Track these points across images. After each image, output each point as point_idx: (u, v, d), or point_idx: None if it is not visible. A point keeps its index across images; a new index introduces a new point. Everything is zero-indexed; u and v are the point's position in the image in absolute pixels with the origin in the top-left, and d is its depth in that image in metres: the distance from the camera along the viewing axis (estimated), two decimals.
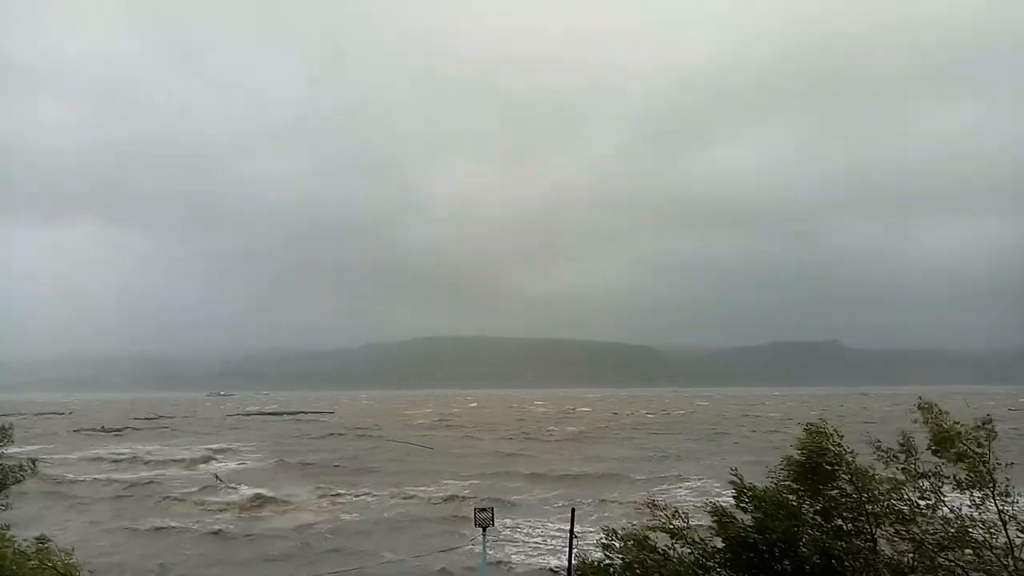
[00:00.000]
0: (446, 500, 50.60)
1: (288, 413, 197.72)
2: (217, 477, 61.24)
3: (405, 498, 51.73)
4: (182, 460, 76.01)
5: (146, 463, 75.38)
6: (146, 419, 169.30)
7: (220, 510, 48.65)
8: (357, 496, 52.85)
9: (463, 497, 50.39)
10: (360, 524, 43.77)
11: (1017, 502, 13.26)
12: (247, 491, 54.09)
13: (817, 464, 13.30)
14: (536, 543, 37.39)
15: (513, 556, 34.96)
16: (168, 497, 52.82)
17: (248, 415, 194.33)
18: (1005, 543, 12.88)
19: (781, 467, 13.83)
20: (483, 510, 18.92)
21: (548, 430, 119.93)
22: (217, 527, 42.86)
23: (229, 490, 55.16)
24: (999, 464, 13.15)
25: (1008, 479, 13.34)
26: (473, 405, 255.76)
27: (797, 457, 13.62)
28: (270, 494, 52.46)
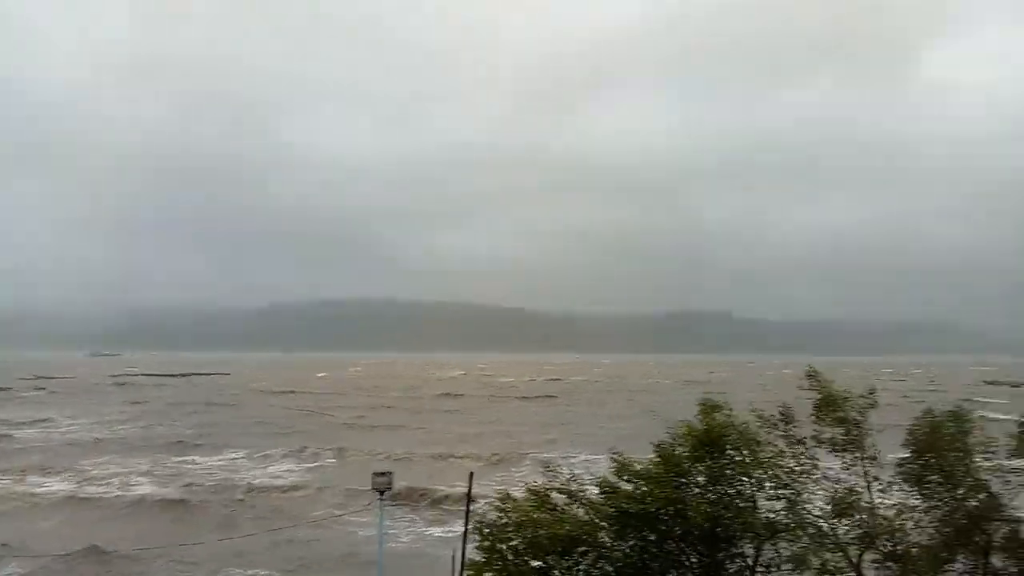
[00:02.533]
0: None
1: (181, 375, 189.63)
2: None
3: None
4: None
5: None
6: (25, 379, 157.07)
7: None
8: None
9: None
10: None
11: (882, 465, 14.45)
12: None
13: (710, 435, 13.92)
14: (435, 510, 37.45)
15: (409, 522, 34.99)
16: None
17: (133, 376, 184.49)
18: (869, 501, 14.02)
19: (675, 436, 14.38)
20: (381, 474, 18.53)
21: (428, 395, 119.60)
22: None
23: None
24: (870, 431, 14.26)
25: (875, 444, 14.50)
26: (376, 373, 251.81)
27: (692, 428, 14.21)
28: None
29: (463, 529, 16.01)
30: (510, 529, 13.24)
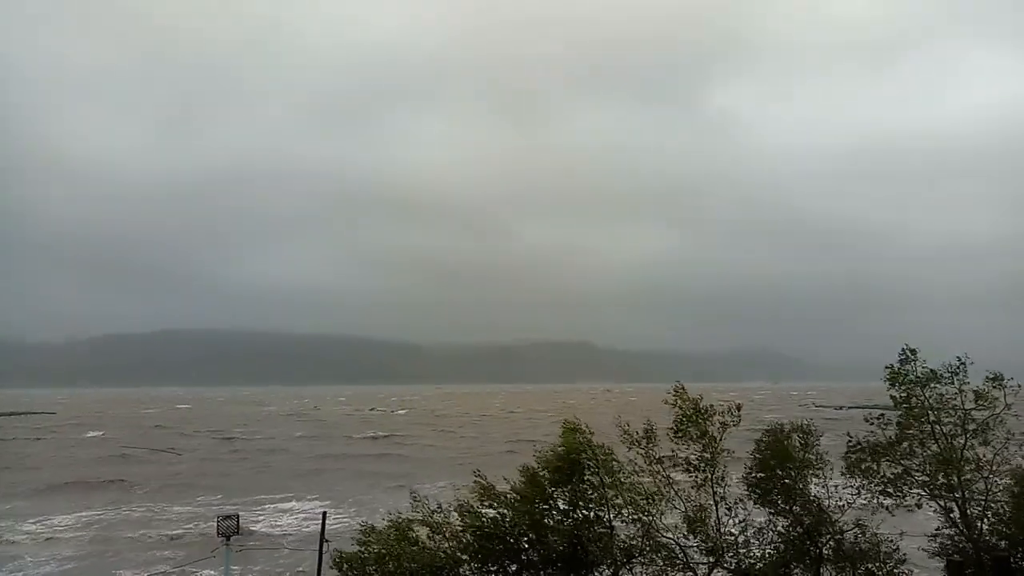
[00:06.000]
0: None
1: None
2: None
3: None
4: None
5: None
6: None
7: None
8: None
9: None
10: None
11: (728, 485, 15.25)
12: None
13: (570, 458, 14.08)
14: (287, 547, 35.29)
15: (260, 561, 32.78)
16: None
17: None
18: (715, 519, 14.73)
19: (538, 460, 14.46)
20: (227, 517, 17.27)
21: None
22: None
23: None
24: (724, 450, 15.02)
25: (725, 465, 15.29)
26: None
27: (551, 453, 14.34)
28: None
29: (317, 566, 15.11)
30: (370, 564, 12.70)
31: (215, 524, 17.44)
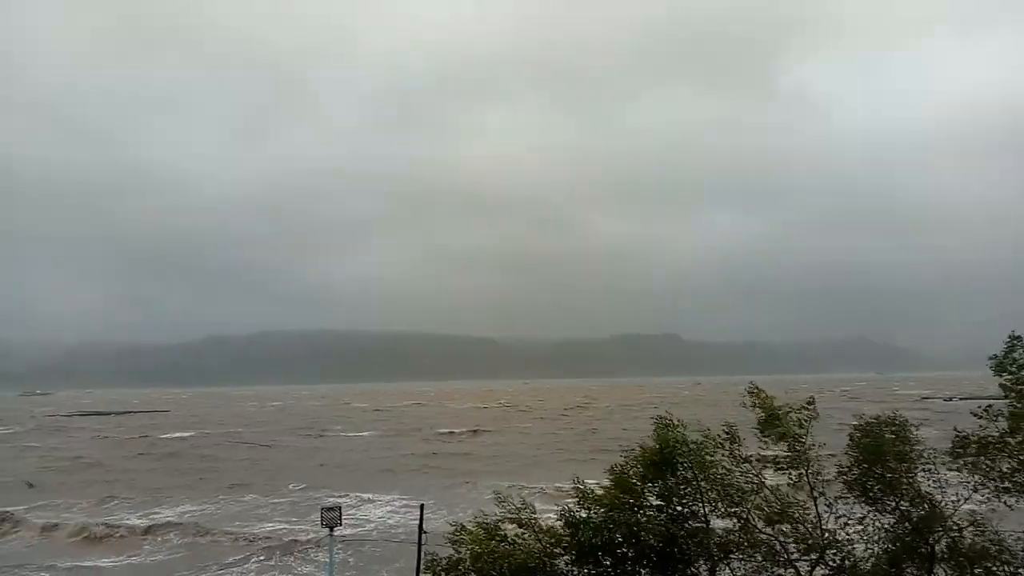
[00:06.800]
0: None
1: (115, 413, 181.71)
2: None
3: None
4: None
5: None
6: None
7: None
8: None
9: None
10: None
11: (826, 479, 14.73)
12: None
13: (664, 454, 13.99)
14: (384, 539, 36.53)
15: (361, 553, 34.00)
16: None
17: (68, 416, 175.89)
18: (815, 515, 14.24)
19: (628, 458, 14.42)
20: (330, 509, 18.03)
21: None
22: None
23: None
24: (813, 445, 14.53)
25: (819, 456, 14.79)
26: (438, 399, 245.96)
27: (646, 448, 14.26)
28: None
29: (416, 560, 15.59)
30: (464, 564, 12.97)
31: (319, 515, 18.23)
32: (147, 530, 40.27)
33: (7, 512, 44.67)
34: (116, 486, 56.48)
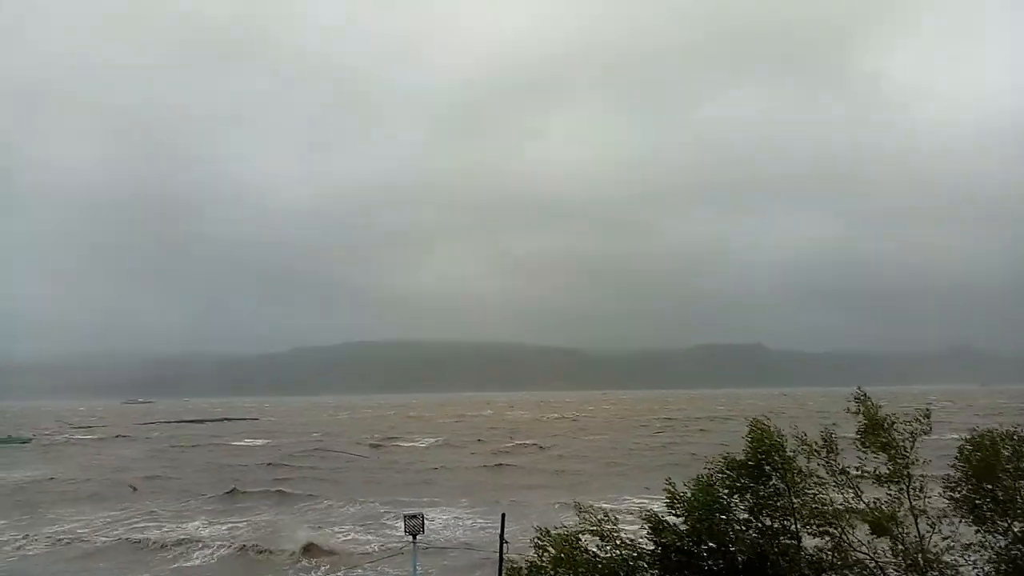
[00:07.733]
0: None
1: (210, 420, 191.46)
2: None
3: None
4: None
5: None
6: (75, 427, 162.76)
7: None
8: None
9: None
10: None
11: (929, 497, 13.85)
12: None
13: (758, 462, 13.52)
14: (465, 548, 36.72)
15: (437, 560, 34.30)
16: None
17: (168, 423, 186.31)
18: (916, 534, 13.40)
19: (718, 466, 13.98)
20: (413, 516, 18.33)
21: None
22: None
23: None
24: (917, 460, 13.69)
25: (923, 475, 13.91)
26: (492, 411, 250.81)
27: (740, 455, 13.79)
28: None
29: (498, 565, 15.64)
30: (545, 572, 12.91)
31: (402, 522, 18.54)
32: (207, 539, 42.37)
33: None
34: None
